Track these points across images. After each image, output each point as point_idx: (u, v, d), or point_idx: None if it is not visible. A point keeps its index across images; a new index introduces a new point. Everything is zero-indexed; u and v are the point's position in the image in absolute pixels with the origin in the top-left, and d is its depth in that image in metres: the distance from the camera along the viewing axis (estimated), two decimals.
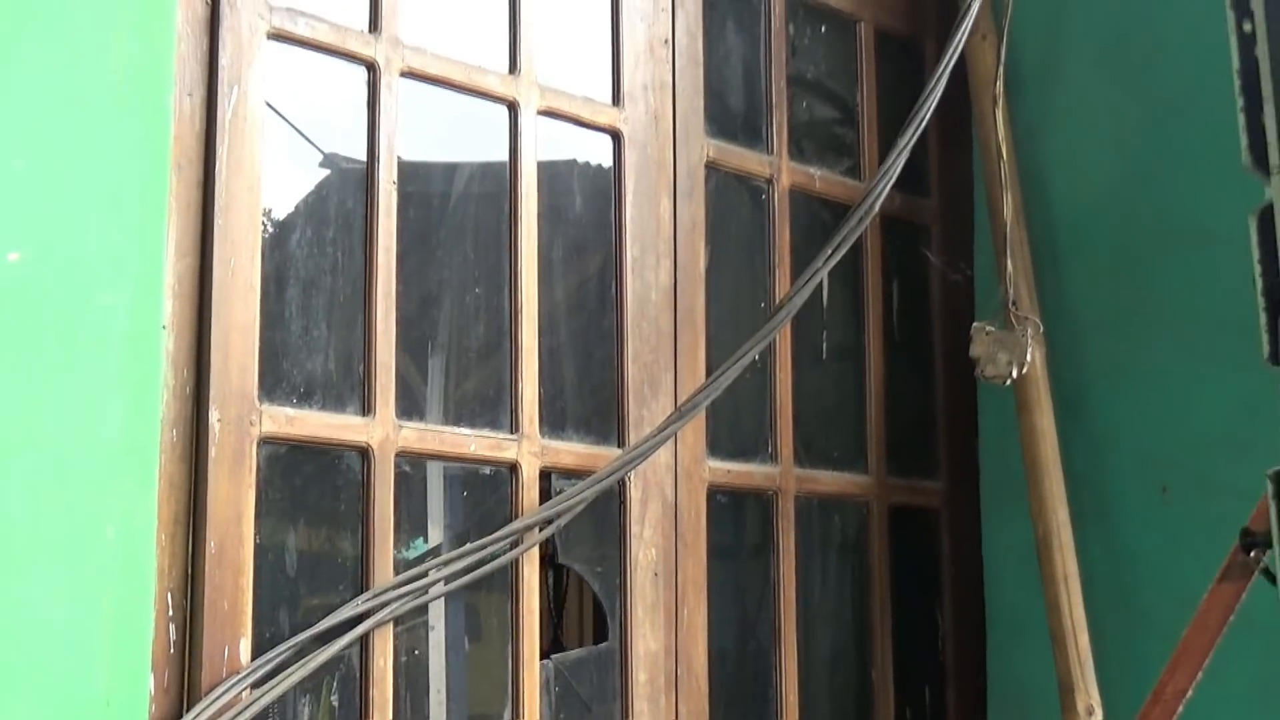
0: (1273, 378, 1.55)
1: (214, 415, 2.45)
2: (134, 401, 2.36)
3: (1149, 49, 3.38)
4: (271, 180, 2.60)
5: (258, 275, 2.54)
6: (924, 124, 3.14)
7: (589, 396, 3.08)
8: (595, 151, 3.12)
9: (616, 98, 3.12)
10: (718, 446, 3.22)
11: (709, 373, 3.13)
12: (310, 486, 2.66)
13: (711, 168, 3.28)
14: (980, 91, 3.51)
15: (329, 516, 2.69)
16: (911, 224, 3.71)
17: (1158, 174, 3.33)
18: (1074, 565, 3.29)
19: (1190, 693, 2.23)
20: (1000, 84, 3.37)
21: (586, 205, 3.13)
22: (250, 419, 2.50)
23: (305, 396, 2.63)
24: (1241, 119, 1.57)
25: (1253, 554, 1.71)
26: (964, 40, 3.19)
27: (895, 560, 3.52)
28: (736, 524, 3.35)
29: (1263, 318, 1.56)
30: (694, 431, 3.15)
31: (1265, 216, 1.56)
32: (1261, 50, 1.53)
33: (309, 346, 2.67)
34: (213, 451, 2.45)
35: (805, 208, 3.47)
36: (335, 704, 2.63)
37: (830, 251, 3.07)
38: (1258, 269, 1.57)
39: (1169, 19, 3.34)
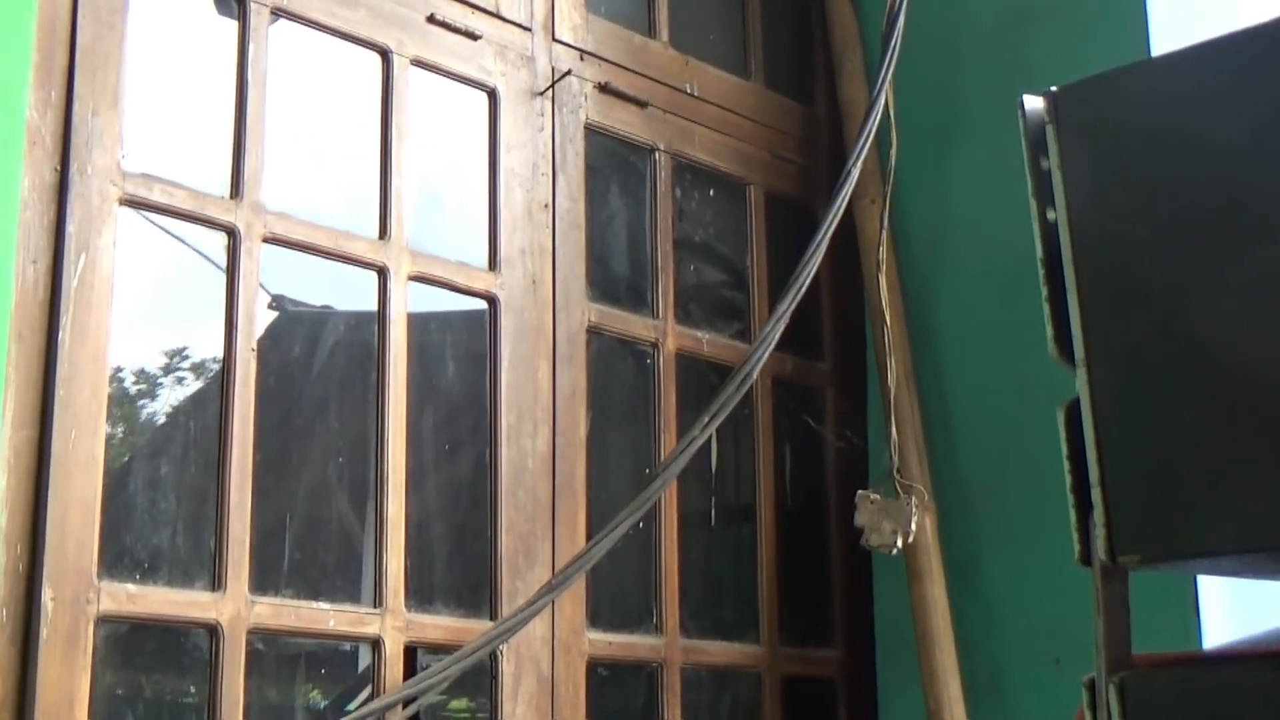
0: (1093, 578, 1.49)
1: (47, 594, 2.35)
2: None
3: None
4: (121, 347, 2.53)
5: (101, 447, 2.46)
6: (803, 289, 3.10)
7: (460, 568, 2.99)
8: (470, 316, 3.07)
9: (493, 263, 3.08)
10: (599, 617, 3.13)
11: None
12: (153, 667, 2.56)
13: (593, 332, 3.24)
14: (868, 256, 3.49)
15: (174, 699, 2.58)
16: (805, 388, 3.67)
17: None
18: None
19: None
20: (884, 249, 3.35)
21: (460, 371, 3.07)
22: (87, 597, 2.40)
23: (150, 572, 2.53)
24: (1046, 309, 1.54)
25: None
26: (844, 204, 3.16)
27: None
28: (619, 698, 3.25)
29: (1072, 516, 1.51)
30: (572, 602, 3.06)
31: (1073, 411, 1.52)
32: (1064, 239, 1.50)
33: (155, 520, 2.58)
34: (44, 632, 2.34)
35: (693, 372, 3.42)
36: None
37: (708, 418, 3.01)
38: (1066, 466, 1.52)
39: None
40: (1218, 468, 1.38)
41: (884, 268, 3.36)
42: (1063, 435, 1.50)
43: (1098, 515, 1.47)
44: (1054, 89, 1.50)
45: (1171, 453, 1.41)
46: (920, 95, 3.56)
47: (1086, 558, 1.48)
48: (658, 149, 3.44)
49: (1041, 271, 1.53)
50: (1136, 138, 1.44)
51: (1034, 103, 1.51)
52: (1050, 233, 1.51)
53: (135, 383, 2.65)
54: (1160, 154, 1.42)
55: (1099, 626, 1.46)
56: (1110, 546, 1.44)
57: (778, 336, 3.11)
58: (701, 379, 3.45)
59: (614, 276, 3.38)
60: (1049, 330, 1.52)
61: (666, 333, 3.37)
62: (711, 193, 3.62)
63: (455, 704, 3.16)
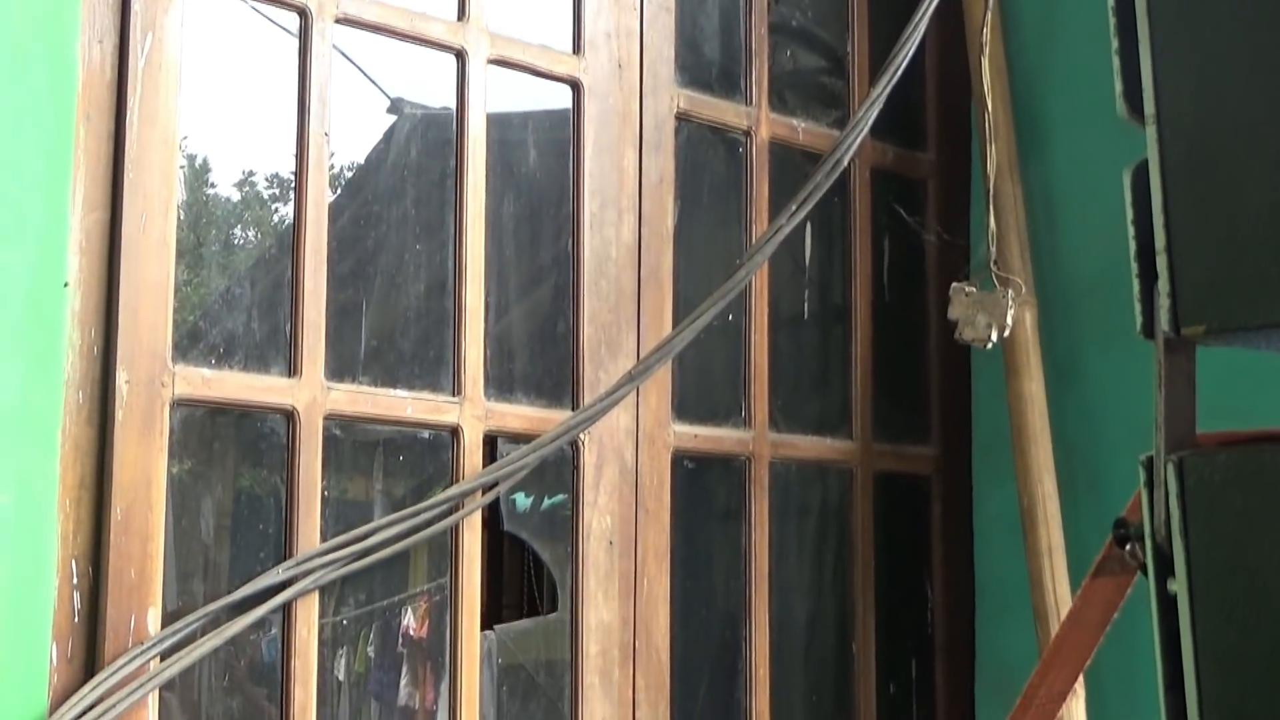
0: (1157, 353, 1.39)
1: (121, 376, 2.36)
2: (35, 362, 2.27)
3: None
4: (191, 130, 2.50)
5: (172, 231, 2.44)
6: (900, 70, 2.98)
7: (541, 358, 2.96)
8: (553, 102, 2.98)
9: (577, 46, 2.98)
10: (685, 410, 3.09)
11: None
12: (230, 450, 2.57)
13: (683, 119, 3.13)
14: (973, 39, 3.33)
15: (251, 482, 2.60)
16: (906, 179, 3.54)
17: None
18: (1059, 538, 3.14)
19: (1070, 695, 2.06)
20: (988, 32, 3.18)
21: (542, 159, 3.00)
22: (162, 380, 2.41)
23: (225, 357, 2.53)
24: (1116, 61, 1.42)
25: (1128, 547, 1.55)
26: None
27: (880, 529, 3.37)
28: (705, 491, 3.22)
29: (1135, 285, 1.41)
30: (658, 394, 3.02)
31: (1140, 172, 1.41)
32: None
33: (230, 305, 2.57)
34: (119, 414, 2.35)
35: (787, 161, 3.31)
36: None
37: (796, 206, 2.92)
38: (1131, 230, 1.42)
39: None
40: None
41: (988, 50, 3.19)
42: (1128, 199, 1.39)
43: (1162, 284, 1.37)
44: None
45: (1243, 217, 1.30)
46: None
47: (1149, 329, 1.39)
48: None
49: (1113, 20, 1.41)
50: None
51: None
52: None
53: (206, 166, 2.62)
54: None
55: (1159, 402, 1.37)
56: (1174, 317, 1.35)
57: (871, 120, 3.00)
58: (796, 168, 3.33)
59: (705, 61, 3.26)
60: (1118, 85, 1.40)
61: (760, 120, 3.26)
62: None
63: None
